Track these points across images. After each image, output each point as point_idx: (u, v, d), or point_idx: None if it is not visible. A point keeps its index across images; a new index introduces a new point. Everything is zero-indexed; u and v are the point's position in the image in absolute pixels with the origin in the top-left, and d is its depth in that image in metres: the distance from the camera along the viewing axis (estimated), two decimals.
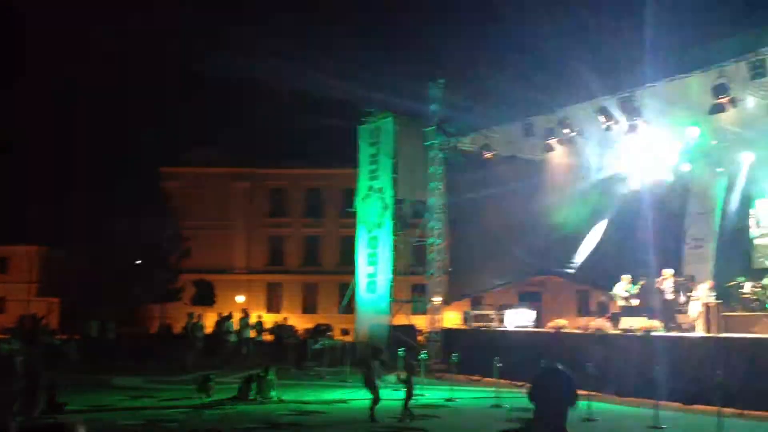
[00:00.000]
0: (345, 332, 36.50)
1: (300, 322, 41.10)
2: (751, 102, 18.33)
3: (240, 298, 49.51)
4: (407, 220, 26.88)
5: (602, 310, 23.59)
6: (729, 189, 23.55)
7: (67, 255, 49.81)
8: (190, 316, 25.29)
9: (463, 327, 24.50)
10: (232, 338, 24.95)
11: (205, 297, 48.40)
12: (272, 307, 51.03)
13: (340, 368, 23.17)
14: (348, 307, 29.08)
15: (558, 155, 23.56)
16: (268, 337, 28.92)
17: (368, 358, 14.96)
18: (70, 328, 33.49)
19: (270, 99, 66.18)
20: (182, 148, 53.52)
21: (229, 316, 25.58)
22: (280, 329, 29.57)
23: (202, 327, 24.86)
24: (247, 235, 53.47)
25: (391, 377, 16.78)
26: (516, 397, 17.63)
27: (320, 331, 35.86)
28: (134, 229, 44.26)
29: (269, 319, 33.28)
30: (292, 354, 25.62)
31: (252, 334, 26.03)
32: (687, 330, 18.54)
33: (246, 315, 26.29)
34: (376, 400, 13.91)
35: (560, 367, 3.88)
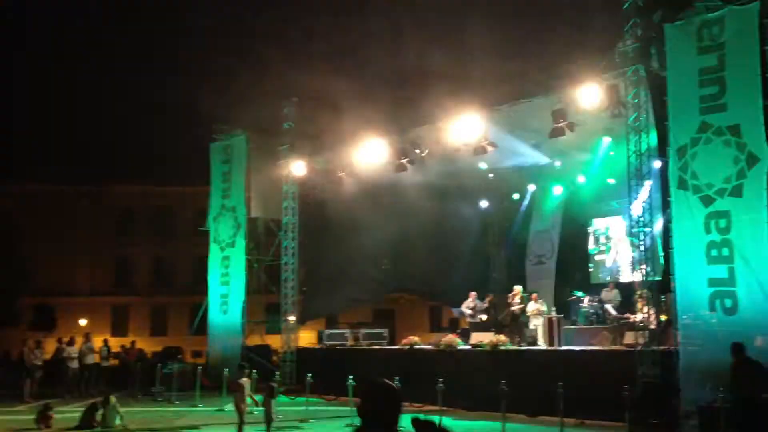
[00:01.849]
0: (197, 354, 35.51)
1: (149, 346, 39.62)
2: (587, 126, 19.48)
3: (83, 322, 47.25)
4: (261, 239, 26.55)
5: (453, 326, 24.24)
6: (568, 208, 24.89)
7: None
8: (26, 342, 23.82)
9: (317, 346, 24.43)
10: (74, 364, 23.70)
11: (46, 321, 45.85)
12: (118, 330, 48.82)
13: (190, 392, 22.49)
14: (200, 328, 28.30)
15: (409, 175, 24.06)
16: (113, 362, 27.65)
17: (238, 378, 14.45)
18: None
19: (119, 114, 63.84)
20: (20, 164, 50.48)
21: (71, 341, 24.29)
22: (126, 353, 28.36)
23: (40, 353, 23.48)
24: (92, 256, 50.97)
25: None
26: None
27: (170, 354, 34.74)
28: None
29: (115, 343, 31.84)
30: (140, 379, 24.61)
31: (96, 359, 24.83)
32: (531, 344, 19.33)
33: (89, 339, 25.05)
34: (241, 423, 13.54)
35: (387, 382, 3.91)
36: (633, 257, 16.43)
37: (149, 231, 52.20)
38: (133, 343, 31.18)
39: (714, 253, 14.39)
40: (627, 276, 20.42)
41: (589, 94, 16.98)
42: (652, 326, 15.83)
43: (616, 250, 22.34)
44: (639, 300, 16.34)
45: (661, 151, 15.74)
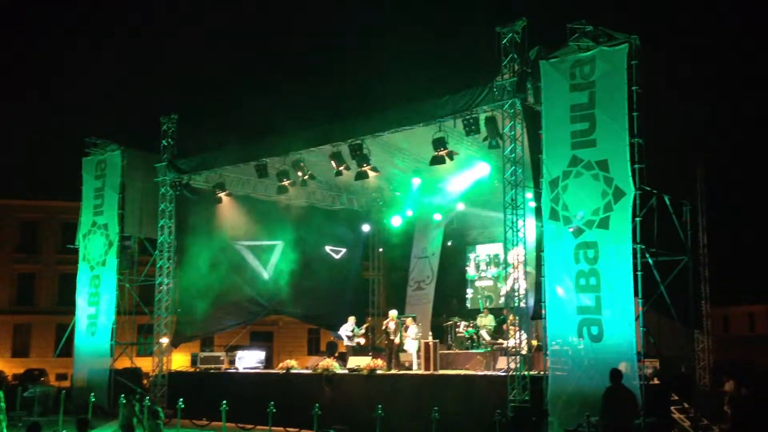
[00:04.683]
0: (61, 377, 33.86)
1: (9, 367, 37.55)
2: (465, 155, 20.04)
3: None
4: (134, 258, 25.60)
5: (331, 350, 24.16)
6: (447, 235, 25.44)
7: None
8: None
9: (191, 369, 23.77)
10: None
11: None
12: None
13: (54, 417, 21.36)
14: (65, 350, 26.98)
15: (291, 196, 23.99)
16: None
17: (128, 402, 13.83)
18: None
19: None
20: None
21: None
22: None
23: None
24: None
25: (110, 427, 15.80)
26: None
27: (32, 376, 32.95)
28: None
29: None
30: None
31: None
32: (407, 368, 19.50)
33: None
34: None
35: None
36: (504, 284, 16.92)
37: (12, 246, 49.52)
38: None
39: (582, 282, 15.02)
40: (503, 302, 20.98)
41: (467, 125, 17.46)
42: (523, 352, 16.34)
43: (497, 277, 22.83)
44: (511, 326, 16.82)
45: (535, 182, 16.34)
